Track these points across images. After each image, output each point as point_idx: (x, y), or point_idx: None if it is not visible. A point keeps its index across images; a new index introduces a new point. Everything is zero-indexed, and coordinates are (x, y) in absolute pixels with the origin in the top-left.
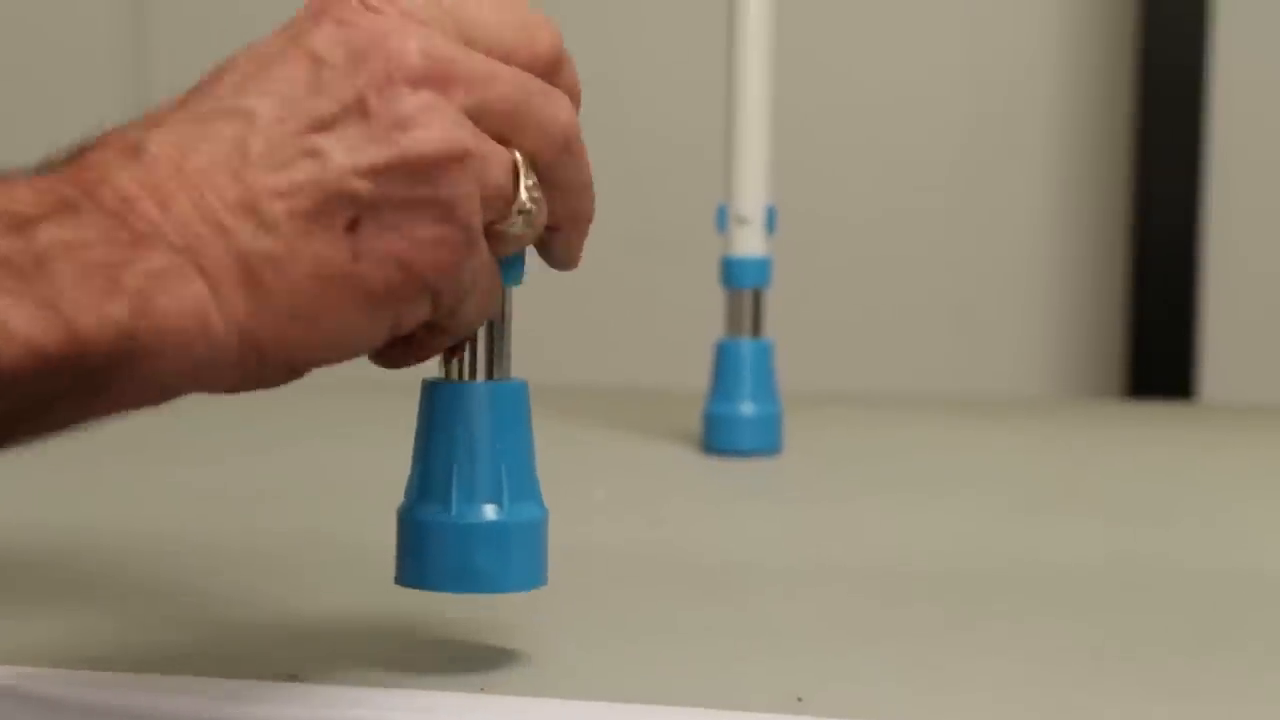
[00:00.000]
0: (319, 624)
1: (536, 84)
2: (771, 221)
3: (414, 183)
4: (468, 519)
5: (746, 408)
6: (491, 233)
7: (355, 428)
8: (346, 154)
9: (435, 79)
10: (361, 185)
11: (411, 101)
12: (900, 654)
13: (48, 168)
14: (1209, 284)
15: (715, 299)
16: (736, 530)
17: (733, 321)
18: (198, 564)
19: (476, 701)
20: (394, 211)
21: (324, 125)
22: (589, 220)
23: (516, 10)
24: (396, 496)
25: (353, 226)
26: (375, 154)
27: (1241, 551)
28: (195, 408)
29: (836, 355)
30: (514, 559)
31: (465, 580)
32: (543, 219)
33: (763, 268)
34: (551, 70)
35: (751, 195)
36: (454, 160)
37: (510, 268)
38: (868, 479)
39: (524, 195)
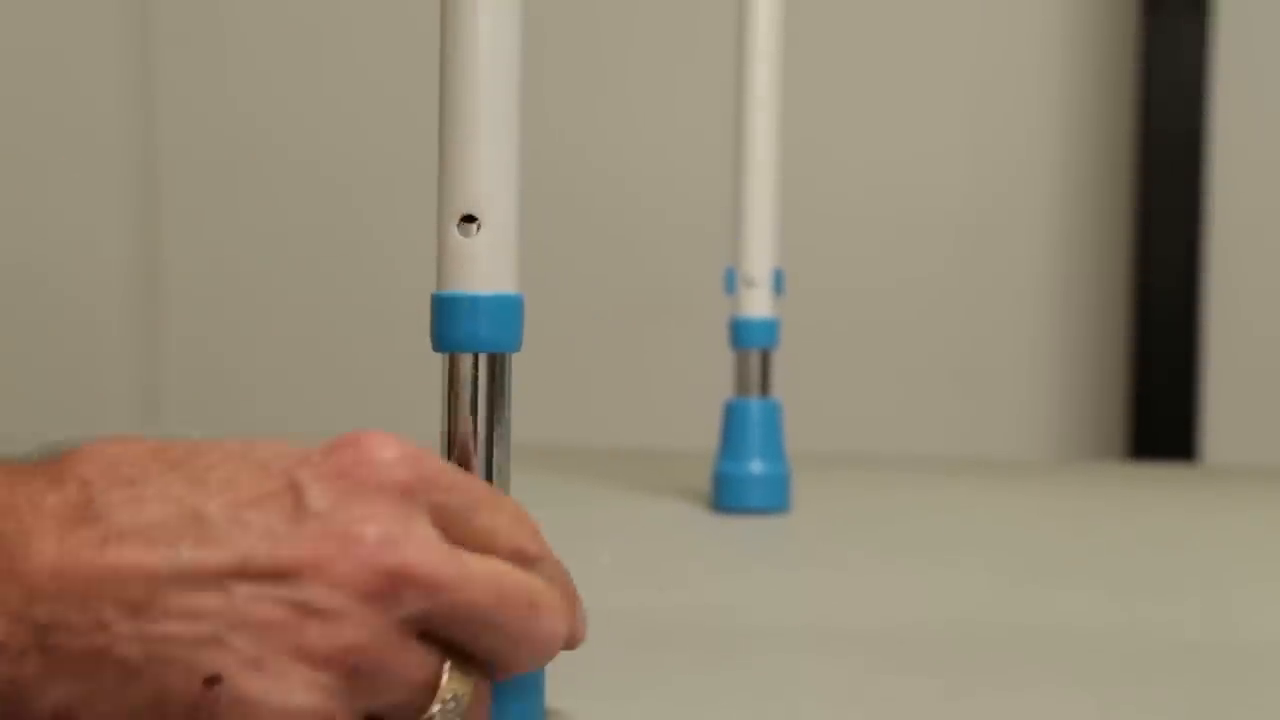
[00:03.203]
0: None
1: (517, 589)
2: (779, 284)
3: (295, 658)
4: None
5: (755, 466)
6: None
7: None
8: (247, 602)
9: (378, 585)
10: (241, 644)
11: (333, 601)
12: (900, 718)
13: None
14: (1210, 346)
15: (724, 361)
16: (744, 593)
17: (741, 382)
18: None
19: None
20: (259, 678)
21: (249, 576)
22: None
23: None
24: None
25: (213, 681)
26: (273, 615)
27: (1246, 620)
28: None
29: (842, 417)
30: None
31: None
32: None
33: (771, 329)
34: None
35: (759, 257)
36: (347, 664)
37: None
38: (873, 541)
39: (435, 708)
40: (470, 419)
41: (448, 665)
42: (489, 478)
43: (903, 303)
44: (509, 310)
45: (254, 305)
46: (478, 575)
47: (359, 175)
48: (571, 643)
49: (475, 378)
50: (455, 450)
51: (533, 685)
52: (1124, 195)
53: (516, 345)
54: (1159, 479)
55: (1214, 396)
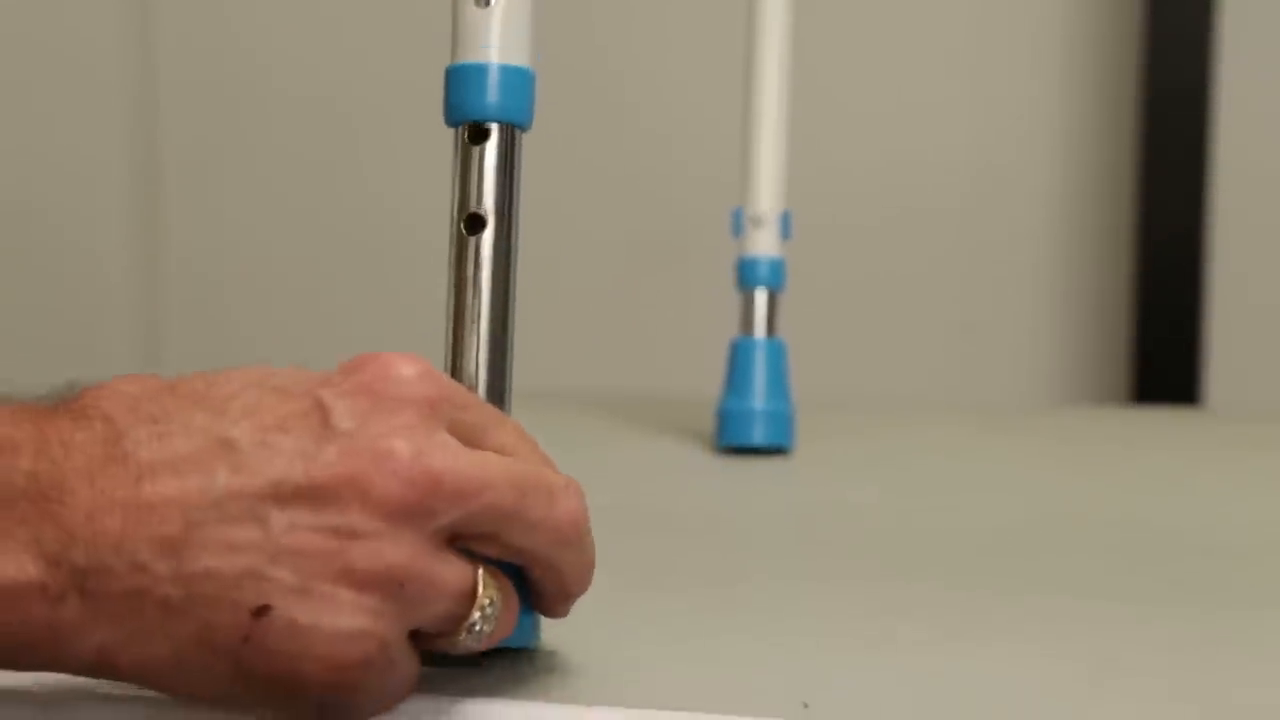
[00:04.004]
0: None
1: (536, 480)
2: (786, 226)
3: (339, 583)
4: None
5: (759, 403)
6: (436, 643)
7: None
8: (286, 533)
9: (414, 498)
10: (283, 575)
11: (371, 523)
12: (907, 661)
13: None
14: (1214, 289)
15: (730, 305)
16: (744, 532)
17: (747, 321)
18: None
19: (483, 709)
20: (307, 604)
21: (284, 500)
22: (583, 591)
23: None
24: None
25: (262, 611)
26: (312, 542)
27: (1250, 560)
28: None
29: (846, 361)
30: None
31: None
32: (501, 628)
33: (777, 268)
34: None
35: (766, 197)
36: (392, 584)
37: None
38: (876, 481)
39: (475, 615)
40: (478, 193)
41: (480, 571)
42: (496, 287)
43: (908, 248)
44: (521, 82)
45: (256, 252)
46: (499, 475)
47: (363, 154)
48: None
49: (484, 150)
50: (463, 218)
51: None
52: (1128, 144)
53: (528, 120)
54: (1162, 423)
55: (1218, 341)
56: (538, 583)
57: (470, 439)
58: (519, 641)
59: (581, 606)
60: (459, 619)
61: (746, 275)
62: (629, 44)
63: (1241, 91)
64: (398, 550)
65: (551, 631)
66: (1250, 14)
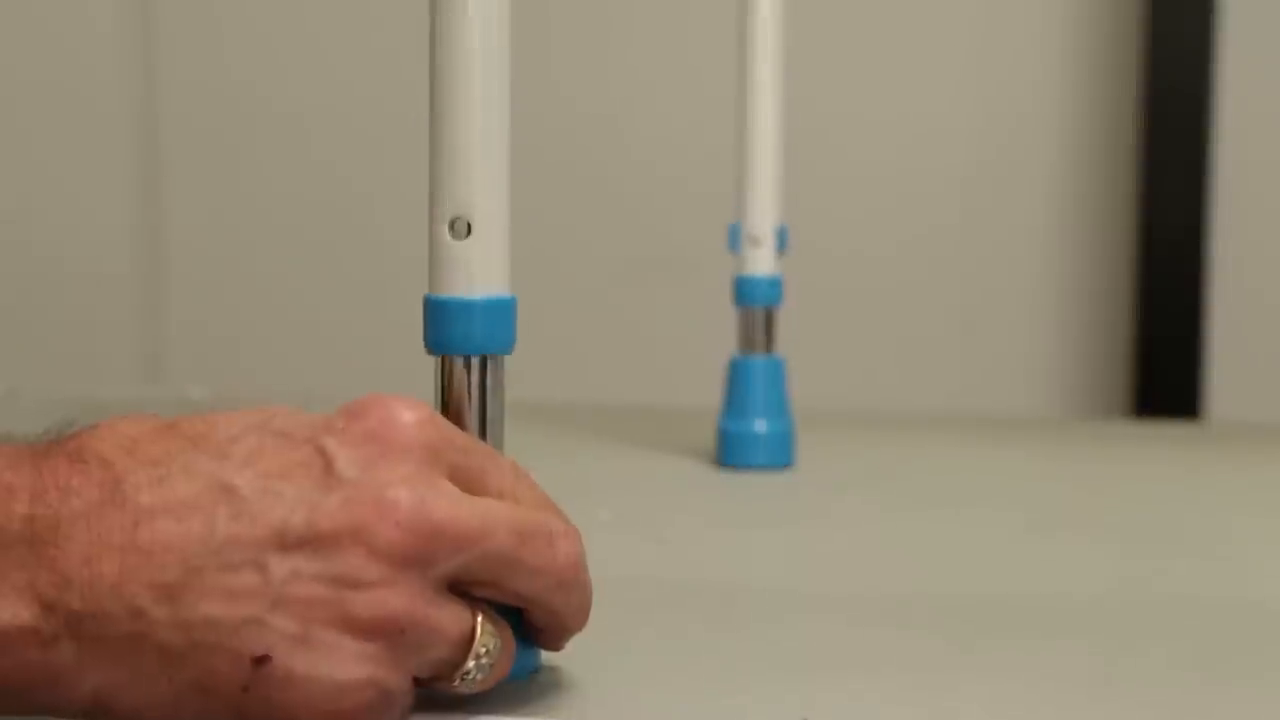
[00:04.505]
0: None
1: (536, 527)
2: (783, 241)
3: (340, 631)
4: None
5: (759, 423)
6: (433, 685)
7: None
8: (287, 581)
9: (416, 547)
10: (284, 623)
11: (373, 571)
12: (906, 679)
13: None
14: (1215, 303)
15: (727, 319)
16: (745, 550)
17: (745, 339)
18: None
19: None
20: (307, 654)
21: (286, 547)
22: (581, 629)
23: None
24: None
25: (262, 660)
26: (313, 591)
27: (1250, 575)
28: None
29: (846, 374)
30: None
31: None
32: (497, 672)
33: (774, 286)
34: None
35: (763, 215)
36: (393, 631)
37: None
38: (877, 497)
39: (471, 663)
40: (462, 421)
41: (479, 618)
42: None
43: (907, 260)
44: (502, 313)
45: (255, 273)
46: (499, 522)
47: (362, 132)
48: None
49: (469, 381)
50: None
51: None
52: (1128, 153)
53: (509, 347)
54: (1163, 437)
55: (1218, 354)
56: (536, 622)
57: (470, 484)
58: (518, 675)
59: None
60: (456, 664)
61: (744, 294)
62: (625, 61)
63: (1242, 105)
64: (399, 598)
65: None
66: (1251, 18)
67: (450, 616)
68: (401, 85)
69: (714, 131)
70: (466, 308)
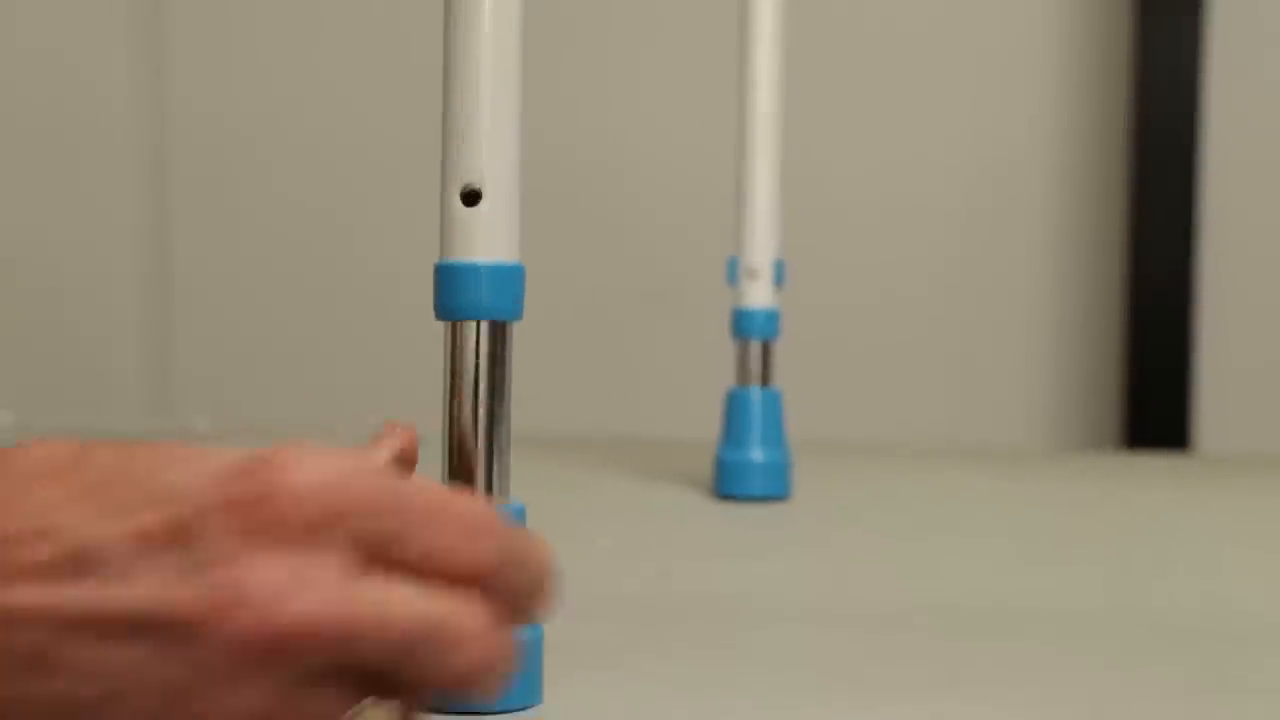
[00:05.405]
0: None
1: (429, 630)
2: (780, 275)
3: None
4: None
5: (757, 454)
6: None
7: None
8: (149, 659)
9: (266, 645)
10: (141, 700)
11: (234, 663)
12: (901, 704)
13: None
14: (1204, 336)
15: (725, 351)
16: (743, 577)
17: (742, 371)
18: None
19: None
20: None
21: (144, 627)
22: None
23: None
24: None
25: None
26: (176, 675)
27: (1236, 599)
28: None
29: (842, 406)
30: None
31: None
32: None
33: (772, 319)
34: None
35: (761, 248)
36: None
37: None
38: (872, 526)
39: None
40: (472, 388)
41: (363, 706)
42: (489, 454)
43: (901, 294)
44: (510, 279)
45: (263, 292)
46: (389, 614)
47: (366, 162)
48: (537, 614)
49: (477, 346)
50: (456, 426)
51: (531, 664)
52: (1119, 188)
53: (518, 314)
54: (1153, 468)
55: (1207, 387)
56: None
57: (384, 552)
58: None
59: (584, 654)
60: None
61: (741, 326)
62: (624, 96)
63: (1228, 145)
64: (255, 695)
65: (554, 680)
66: (1238, 54)
67: (322, 707)
68: (413, 115)
69: (713, 166)
70: (474, 273)
